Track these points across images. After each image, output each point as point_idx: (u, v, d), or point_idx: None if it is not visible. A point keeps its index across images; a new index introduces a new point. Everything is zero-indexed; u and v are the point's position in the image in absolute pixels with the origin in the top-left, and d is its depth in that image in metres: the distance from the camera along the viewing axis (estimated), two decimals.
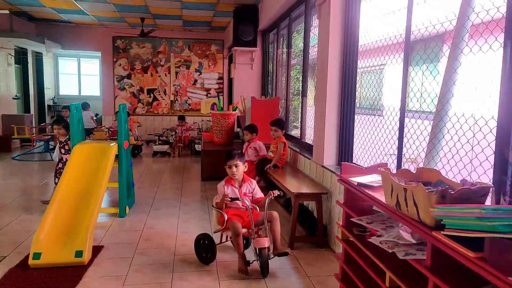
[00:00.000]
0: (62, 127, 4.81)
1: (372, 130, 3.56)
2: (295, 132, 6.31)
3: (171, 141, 9.26)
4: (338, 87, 4.01)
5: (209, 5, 8.17)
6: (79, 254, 3.27)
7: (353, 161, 3.98)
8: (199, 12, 8.96)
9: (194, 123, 11.23)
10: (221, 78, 11.67)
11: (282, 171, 4.84)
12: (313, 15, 5.29)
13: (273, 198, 3.24)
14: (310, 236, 3.90)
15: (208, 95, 11.65)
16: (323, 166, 4.06)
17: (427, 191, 1.59)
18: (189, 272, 3.24)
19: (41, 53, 11.50)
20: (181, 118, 9.24)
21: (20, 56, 10.72)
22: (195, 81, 11.66)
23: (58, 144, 4.91)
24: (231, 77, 9.76)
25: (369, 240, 2.00)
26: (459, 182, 1.76)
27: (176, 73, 11.60)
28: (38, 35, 10.59)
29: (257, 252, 3.16)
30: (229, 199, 3.24)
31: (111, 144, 4.41)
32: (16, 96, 10.16)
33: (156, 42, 11.40)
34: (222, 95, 11.61)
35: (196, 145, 9.10)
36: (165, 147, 9.02)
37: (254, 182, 3.49)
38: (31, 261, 3.21)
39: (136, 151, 8.79)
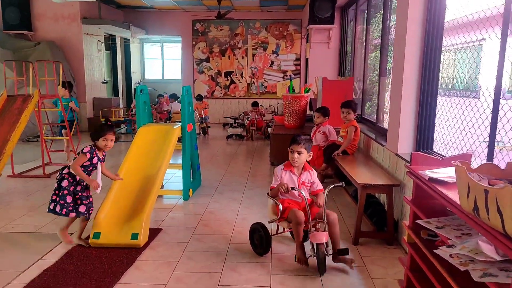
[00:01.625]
0: None
1: (462, 114, 2.99)
2: (372, 117, 5.76)
3: (245, 124, 9.20)
4: (417, 66, 3.45)
5: None
6: (135, 236, 3.26)
7: (433, 150, 3.43)
8: None
9: (269, 106, 11.05)
10: (298, 59, 11.26)
11: (352, 159, 4.41)
12: None
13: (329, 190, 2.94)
14: (378, 231, 3.47)
15: (285, 77, 11.35)
16: (397, 155, 3.56)
17: None
18: (241, 263, 3.06)
19: (129, 39, 12.15)
20: (255, 105, 9.15)
21: (110, 43, 11.44)
22: (272, 63, 11.42)
23: None
24: (306, 58, 9.33)
25: (436, 251, 1.58)
26: None
27: (253, 55, 11.46)
28: (125, 21, 11.17)
29: (314, 247, 2.85)
30: (289, 188, 2.95)
31: (174, 127, 4.38)
32: (104, 80, 10.88)
33: (233, 24, 11.35)
34: (299, 77, 11.22)
35: (269, 129, 8.91)
36: (239, 130, 8.98)
37: (314, 172, 3.18)
38: (91, 240, 3.28)
39: (205, 129, 9.10)
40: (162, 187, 4.76)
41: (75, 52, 9.58)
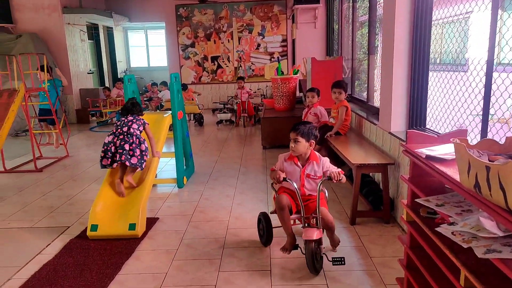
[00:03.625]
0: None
1: (452, 89, 2.99)
2: (363, 95, 5.76)
3: (235, 109, 9.11)
4: (408, 41, 3.43)
5: None
6: (132, 227, 3.25)
7: (427, 127, 3.44)
8: None
9: (258, 89, 10.97)
10: (284, 40, 11.15)
11: (345, 139, 4.42)
12: None
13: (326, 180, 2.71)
14: (374, 210, 3.51)
15: (272, 59, 11.25)
16: (390, 133, 3.58)
17: None
18: (240, 249, 3.07)
19: (112, 28, 11.88)
20: (240, 78, 8.80)
21: (93, 32, 11.18)
22: (258, 45, 11.29)
23: None
24: (293, 39, 9.23)
25: (438, 229, 1.60)
26: None
27: (239, 38, 11.32)
28: (107, 9, 10.90)
29: (304, 244, 2.67)
30: (281, 179, 2.70)
31: (165, 115, 4.33)
32: (90, 70, 10.67)
33: (217, 7, 11.15)
34: (287, 58, 11.14)
35: (259, 112, 8.86)
36: (229, 115, 8.92)
37: (324, 162, 2.81)
38: (89, 232, 3.26)
39: (202, 120, 8.80)
40: (155, 176, 4.73)
41: (58, 43, 9.35)
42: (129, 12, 11.38)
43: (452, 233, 1.48)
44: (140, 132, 3.69)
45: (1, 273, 2.78)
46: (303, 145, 2.76)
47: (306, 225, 2.69)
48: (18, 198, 4.41)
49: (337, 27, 7.51)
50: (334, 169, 2.75)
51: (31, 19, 9.23)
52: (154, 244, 3.19)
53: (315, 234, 2.61)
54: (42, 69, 6.10)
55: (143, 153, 3.62)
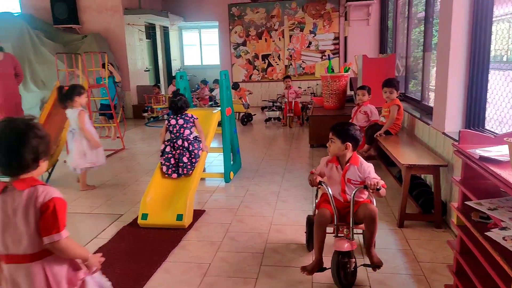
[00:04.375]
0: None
1: None
2: (417, 95, 5.54)
3: (283, 107, 9.09)
4: (466, 37, 3.25)
5: None
6: (179, 217, 3.38)
7: (485, 128, 3.25)
8: None
9: (308, 87, 10.89)
10: (337, 38, 10.96)
11: (396, 139, 4.28)
12: None
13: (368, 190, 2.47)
14: (424, 213, 3.37)
15: (323, 57, 11.11)
16: (444, 133, 3.42)
17: None
18: (282, 245, 3.09)
19: (168, 27, 12.34)
20: (287, 77, 8.61)
21: (150, 31, 11.68)
22: (310, 43, 11.20)
23: None
24: (345, 36, 9.06)
25: (488, 234, 1.52)
26: None
27: (290, 36, 11.29)
28: (163, 10, 11.34)
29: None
30: (316, 182, 2.53)
31: (214, 111, 4.44)
32: (146, 68, 11.16)
33: (269, 6, 11.21)
34: (338, 56, 10.95)
35: (308, 111, 8.78)
36: (277, 113, 8.93)
37: (364, 167, 2.56)
38: (139, 221, 3.44)
39: (245, 120, 8.76)
40: (204, 170, 4.87)
41: (118, 42, 9.88)
42: (184, 12, 11.75)
43: (504, 238, 1.41)
44: (191, 130, 3.88)
45: None
46: (338, 147, 2.55)
47: (338, 235, 2.50)
48: (79, 185, 4.72)
49: (391, 24, 7.28)
50: (374, 178, 2.49)
51: (95, 20, 9.83)
52: (200, 235, 3.30)
53: (345, 245, 2.41)
54: (104, 66, 6.50)
55: (194, 160, 3.83)
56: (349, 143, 2.55)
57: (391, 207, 3.74)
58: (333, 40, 11.02)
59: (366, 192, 2.60)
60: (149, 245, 3.12)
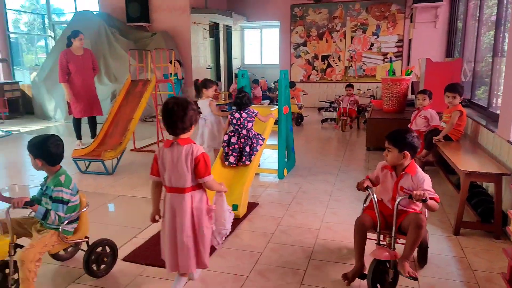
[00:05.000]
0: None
1: None
2: (484, 101, 5.30)
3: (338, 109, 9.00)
4: None
5: None
6: (235, 207, 3.56)
7: None
8: None
9: (368, 89, 10.72)
10: (400, 40, 10.66)
11: (456, 145, 4.15)
12: None
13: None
14: (483, 223, 3.27)
15: (385, 59, 10.86)
16: (509, 142, 3.29)
17: None
18: (332, 241, 3.16)
19: (231, 26, 12.72)
20: (350, 86, 8.45)
21: (213, 30, 12.11)
22: (372, 45, 11.00)
23: None
24: (410, 39, 8.80)
25: None
26: None
27: (352, 38, 11.17)
28: (228, 9, 11.71)
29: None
30: (363, 186, 2.53)
31: (271, 109, 4.59)
32: (208, 66, 11.60)
33: (332, 7, 11.16)
34: (401, 59, 10.65)
35: (366, 113, 8.65)
36: (334, 114, 8.89)
37: (419, 177, 2.45)
38: None
39: (299, 120, 8.72)
40: (259, 165, 5.04)
41: (184, 40, 10.38)
42: (247, 12, 12.05)
43: None
44: (253, 124, 4.15)
45: (128, 231, 3.32)
46: (396, 156, 2.47)
47: (379, 242, 2.46)
48: (144, 173, 5.09)
49: (461, 26, 6.98)
50: (427, 190, 2.35)
51: (164, 19, 10.41)
52: (253, 226, 3.46)
53: (384, 254, 2.35)
54: (172, 63, 6.90)
55: (257, 150, 4.08)
56: (407, 152, 2.45)
57: (447, 214, 3.66)
58: (396, 42, 10.73)
59: (420, 204, 2.52)
60: None
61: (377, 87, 10.63)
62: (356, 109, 8.06)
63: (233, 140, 4.08)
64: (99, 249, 2.63)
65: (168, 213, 2.33)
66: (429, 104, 4.74)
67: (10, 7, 11.16)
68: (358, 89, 10.68)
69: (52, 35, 12.30)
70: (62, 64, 5.97)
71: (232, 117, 4.16)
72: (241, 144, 4.05)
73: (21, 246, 2.37)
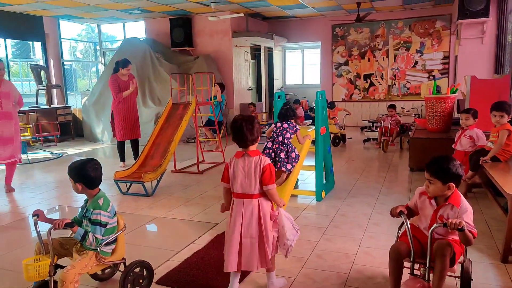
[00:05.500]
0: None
1: None
2: None
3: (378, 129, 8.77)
4: None
5: None
6: None
7: None
8: None
9: (412, 108, 10.40)
10: (446, 57, 10.31)
11: (505, 166, 3.90)
12: None
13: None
14: None
15: (430, 77, 10.52)
16: None
17: None
18: (370, 267, 3.05)
19: (272, 48, 12.91)
20: (392, 106, 8.20)
21: (255, 52, 12.36)
22: (416, 63, 10.72)
23: None
24: (455, 55, 8.49)
25: None
26: None
27: (395, 56, 10.96)
28: (269, 32, 11.93)
29: None
30: (396, 211, 2.45)
31: (308, 130, 4.57)
32: (250, 87, 11.80)
33: (374, 26, 11.05)
34: (447, 76, 10.27)
35: (410, 132, 8.36)
36: (377, 134, 8.69)
37: (463, 210, 2.31)
38: None
39: (337, 140, 8.46)
40: (296, 187, 5.00)
41: (226, 63, 10.68)
42: (288, 34, 12.20)
43: None
44: (291, 136, 4.24)
45: (163, 254, 3.37)
46: (439, 188, 2.32)
47: (413, 272, 2.34)
48: (182, 194, 5.22)
49: (511, 40, 6.65)
50: (467, 223, 2.21)
51: (207, 43, 10.79)
52: None
53: (416, 285, 2.25)
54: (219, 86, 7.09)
55: (293, 160, 4.14)
56: (452, 184, 2.30)
57: (495, 239, 3.43)
58: (442, 59, 10.40)
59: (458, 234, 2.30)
60: None
61: (422, 105, 10.26)
62: (398, 128, 7.86)
63: (268, 145, 4.25)
64: (137, 269, 2.70)
65: (237, 216, 2.57)
66: (474, 123, 4.51)
67: (66, 37, 12.07)
68: (402, 107, 10.38)
69: (103, 61, 13.09)
70: (114, 86, 6.23)
71: (274, 126, 4.33)
72: (276, 150, 4.19)
73: (62, 267, 2.50)
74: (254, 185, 2.51)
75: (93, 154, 8.49)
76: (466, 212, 2.30)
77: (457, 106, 6.60)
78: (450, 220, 2.15)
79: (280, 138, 4.20)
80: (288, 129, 4.22)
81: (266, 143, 4.29)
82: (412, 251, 2.32)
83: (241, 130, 2.52)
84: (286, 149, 4.16)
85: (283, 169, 4.11)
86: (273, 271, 2.73)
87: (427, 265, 2.27)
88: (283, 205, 2.69)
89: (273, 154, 4.19)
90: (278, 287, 2.76)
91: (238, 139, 2.56)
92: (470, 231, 2.19)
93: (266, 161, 2.53)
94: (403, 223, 2.49)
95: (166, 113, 6.08)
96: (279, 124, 4.28)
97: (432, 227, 2.26)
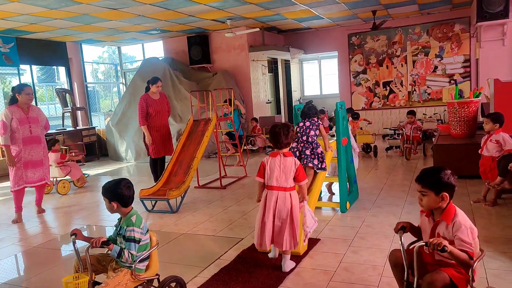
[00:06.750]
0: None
1: None
2: None
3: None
4: None
5: None
6: None
7: None
8: None
9: (434, 114, 10.22)
10: (467, 60, 10.13)
11: None
12: None
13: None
14: None
15: (451, 81, 10.34)
16: None
17: None
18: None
19: (289, 60, 12.99)
20: (411, 113, 7.96)
21: (272, 66, 12.45)
22: (435, 67, 10.57)
23: None
24: (476, 58, 8.34)
25: None
26: None
27: (414, 62, 10.84)
28: (285, 45, 12.02)
29: None
30: (397, 228, 2.39)
31: (330, 141, 4.55)
32: (268, 100, 11.86)
33: (390, 32, 10.99)
34: (469, 80, 10.07)
35: (433, 138, 8.20)
36: (399, 141, 8.56)
37: (459, 225, 2.16)
38: (257, 246, 3.68)
39: (368, 150, 8.38)
40: (320, 199, 4.97)
41: (244, 77, 10.79)
42: (304, 45, 12.26)
43: None
44: (315, 132, 4.33)
45: (190, 271, 3.40)
46: (433, 199, 2.21)
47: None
48: (206, 209, 5.26)
49: None
50: (463, 241, 2.10)
51: (224, 59, 10.95)
52: (314, 264, 3.39)
53: None
54: (230, 102, 7.14)
55: (319, 155, 4.28)
56: (445, 193, 2.19)
57: None
58: (463, 62, 10.22)
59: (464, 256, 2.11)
60: (266, 269, 3.32)
61: (445, 110, 10.07)
62: (420, 135, 7.73)
63: (293, 144, 4.33)
64: (173, 284, 2.73)
65: (271, 204, 3.17)
66: (494, 127, 4.40)
67: (88, 60, 12.47)
68: (423, 113, 10.23)
69: (124, 81, 13.44)
70: (142, 108, 6.08)
71: (297, 126, 4.43)
72: (301, 148, 4.30)
73: (99, 283, 2.56)
74: (289, 180, 3.16)
75: (118, 172, 8.67)
76: (460, 229, 2.14)
77: (481, 110, 6.46)
78: (430, 240, 2.04)
79: (304, 138, 4.31)
80: (311, 127, 4.31)
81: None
82: (405, 272, 2.24)
83: (279, 134, 3.15)
84: (311, 147, 4.27)
85: (310, 164, 4.22)
86: (289, 254, 3.27)
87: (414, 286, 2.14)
88: (307, 200, 3.37)
89: (297, 153, 4.28)
90: (290, 267, 3.26)
91: (275, 141, 3.19)
92: (465, 251, 2.06)
93: (298, 162, 3.21)
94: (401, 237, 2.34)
95: (188, 130, 6.18)
96: (301, 124, 4.38)
97: (417, 245, 2.14)
